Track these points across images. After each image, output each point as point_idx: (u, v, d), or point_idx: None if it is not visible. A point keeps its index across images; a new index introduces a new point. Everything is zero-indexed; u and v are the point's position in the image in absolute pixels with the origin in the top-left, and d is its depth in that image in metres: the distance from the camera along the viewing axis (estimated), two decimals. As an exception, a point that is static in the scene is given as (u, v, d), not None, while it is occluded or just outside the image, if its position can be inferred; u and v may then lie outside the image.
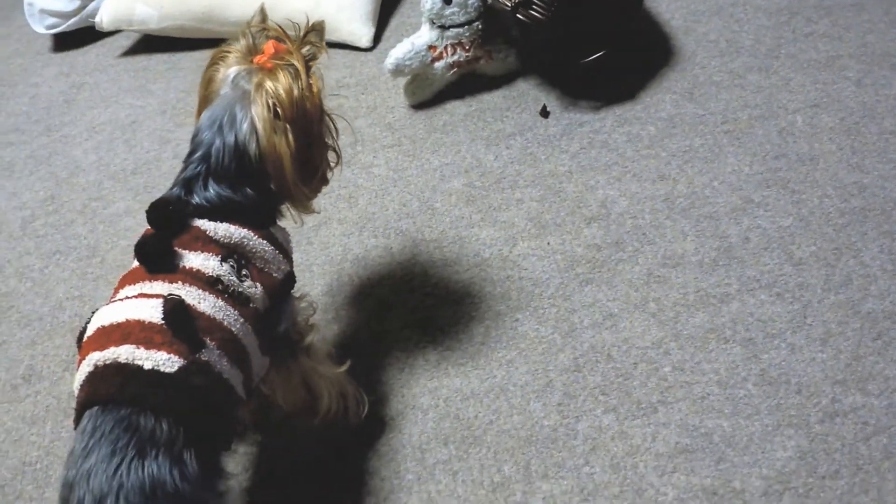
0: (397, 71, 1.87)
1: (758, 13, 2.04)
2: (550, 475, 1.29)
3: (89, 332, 1.06)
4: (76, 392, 1.04)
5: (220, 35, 2.29)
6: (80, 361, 1.04)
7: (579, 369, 1.41)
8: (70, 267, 1.82)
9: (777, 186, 1.64)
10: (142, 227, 1.80)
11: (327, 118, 1.22)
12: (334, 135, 1.24)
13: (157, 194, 1.84)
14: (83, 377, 1.01)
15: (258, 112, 1.13)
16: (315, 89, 1.17)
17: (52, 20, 2.54)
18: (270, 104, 1.13)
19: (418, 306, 1.55)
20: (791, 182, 1.64)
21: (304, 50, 1.19)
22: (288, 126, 1.14)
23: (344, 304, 1.50)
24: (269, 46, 1.18)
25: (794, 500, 1.21)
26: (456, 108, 1.96)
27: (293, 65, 1.15)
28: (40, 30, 2.56)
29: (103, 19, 2.41)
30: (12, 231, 1.94)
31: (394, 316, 1.54)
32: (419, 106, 1.98)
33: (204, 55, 2.32)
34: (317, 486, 1.33)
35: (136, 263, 1.14)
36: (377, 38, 2.22)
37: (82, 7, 2.52)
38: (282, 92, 1.13)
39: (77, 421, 1.01)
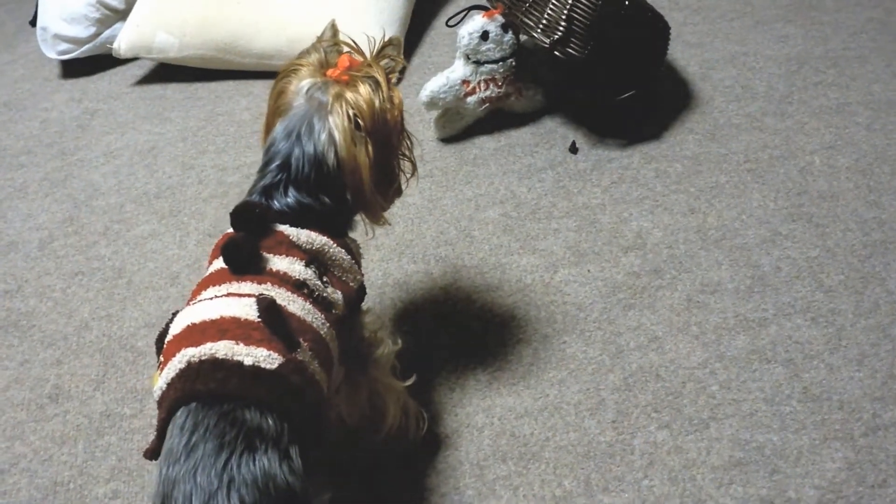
0: (432, 104, 1.92)
1: (768, 62, 2.14)
2: (611, 489, 1.31)
3: (174, 330, 1.07)
4: (162, 390, 1.03)
5: (241, 67, 2.35)
6: (167, 360, 1.04)
7: (630, 388, 1.44)
8: (94, 287, 1.82)
9: (802, 220, 1.71)
10: (168, 250, 1.84)
11: (406, 130, 1.25)
12: (411, 147, 1.27)
13: (184, 218, 1.89)
14: (174, 373, 1.01)
15: (337, 122, 1.16)
16: (396, 100, 1.20)
17: (64, 46, 2.56)
18: (351, 115, 1.16)
19: (464, 329, 1.58)
20: (815, 217, 1.71)
21: (382, 63, 1.22)
22: (367, 137, 1.17)
23: (390, 333, 1.52)
24: (343, 60, 1.22)
25: (848, 509, 1.25)
26: (485, 142, 2.01)
27: (373, 77, 1.18)
28: (52, 55, 2.57)
29: (121, 46, 2.42)
30: (29, 251, 1.94)
31: (440, 338, 1.57)
32: (448, 140, 2.03)
33: (222, 86, 2.38)
34: (378, 502, 1.33)
35: (214, 267, 1.15)
36: (400, 75, 2.27)
37: (98, 33, 2.54)
38: (363, 103, 1.16)
39: (167, 419, 1.00)
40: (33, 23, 2.90)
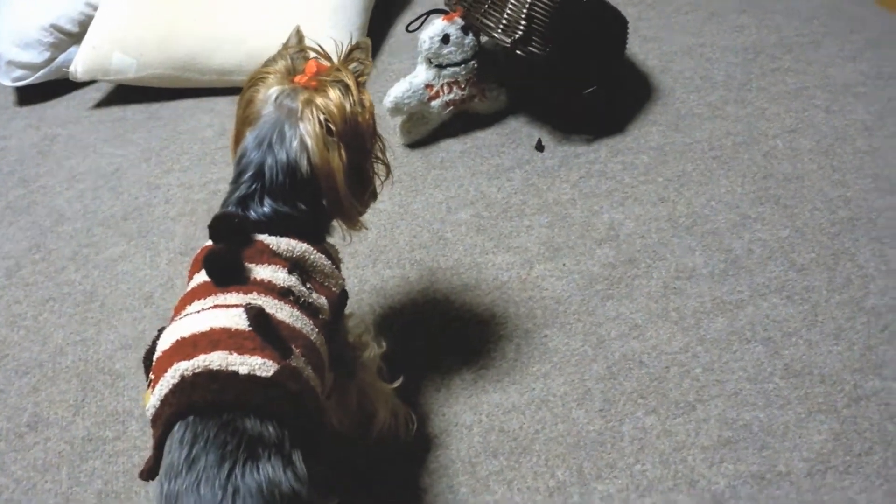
0: (396, 109, 1.93)
1: (725, 52, 2.17)
2: (604, 476, 1.32)
3: (163, 346, 1.06)
4: (155, 407, 1.03)
5: (201, 84, 2.34)
6: (158, 377, 1.03)
7: (614, 377, 1.46)
8: (67, 313, 1.80)
9: (770, 203, 1.73)
10: (140, 271, 1.83)
11: (378, 133, 1.25)
12: (384, 149, 1.27)
13: (154, 238, 1.88)
14: (167, 389, 1.00)
15: (308, 128, 1.16)
16: (367, 103, 1.20)
17: (19, 72, 2.51)
18: (322, 120, 1.16)
19: (445, 330, 1.59)
20: (782, 198, 1.74)
21: (351, 67, 1.22)
22: (340, 141, 1.17)
23: (372, 329, 1.51)
24: (311, 65, 1.21)
25: (837, 477, 1.28)
26: (451, 145, 2.02)
27: (342, 80, 1.18)
28: (6, 82, 2.53)
29: (77, 69, 2.39)
30: (-5, 280, 1.91)
31: (421, 340, 1.57)
32: (414, 145, 2.03)
33: (183, 104, 2.37)
34: (371, 505, 1.33)
35: (196, 281, 1.14)
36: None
37: (52, 58, 2.50)
38: (333, 108, 1.16)
39: (163, 435, 0.99)
40: (-14, 52, 2.86)
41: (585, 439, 1.38)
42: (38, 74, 2.53)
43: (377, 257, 1.75)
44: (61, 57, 2.51)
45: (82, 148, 2.32)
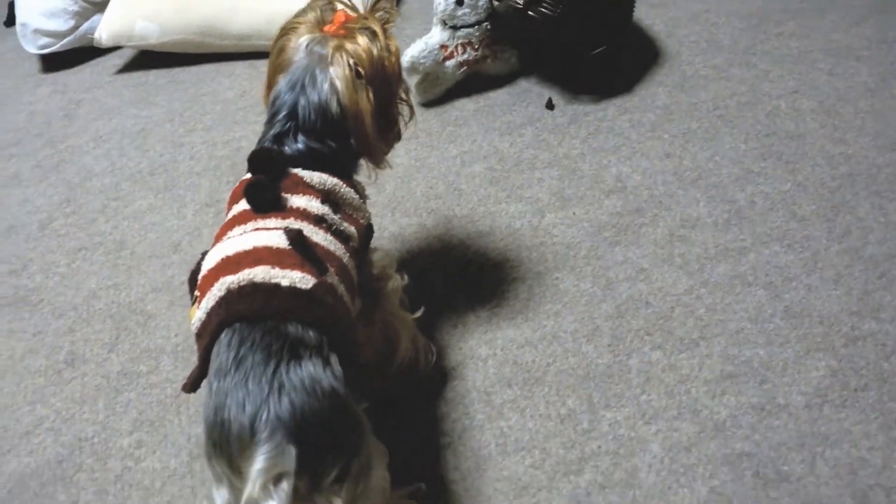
0: (412, 69, 2.01)
1: (731, 18, 2.24)
2: (612, 405, 1.40)
3: (208, 265, 1.14)
4: (201, 320, 1.10)
5: (221, 49, 2.42)
6: (204, 292, 1.11)
7: (622, 315, 1.53)
8: (98, 260, 1.88)
9: (773, 158, 1.81)
10: (168, 221, 1.91)
11: (403, 77, 1.32)
12: (408, 92, 1.35)
13: (180, 191, 1.96)
14: (213, 301, 1.08)
15: (338, 72, 1.24)
16: (393, 49, 1.28)
17: (45, 40, 2.60)
18: (351, 64, 1.23)
19: (461, 272, 1.66)
20: (784, 154, 1.82)
21: (378, 15, 1.29)
22: (368, 84, 1.25)
23: (395, 263, 1.58)
24: (339, 15, 1.29)
25: (833, 410, 1.35)
26: (465, 104, 2.10)
27: (370, 28, 1.26)
28: (33, 50, 2.61)
29: (102, 36, 2.47)
30: (30, 233, 2.00)
31: (439, 282, 1.65)
32: (429, 104, 2.11)
33: (203, 69, 2.45)
34: (393, 432, 1.40)
35: (236, 210, 1.22)
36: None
37: (77, 26, 2.58)
38: (362, 52, 1.24)
39: (209, 344, 1.07)
40: (7, 23, 2.95)
41: (595, 372, 1.45)
42: (63, 42, 2.61)
43: (395, 207, 1.83)
44: (85, 25, 2.60)
45: (107, 111, 2.39)
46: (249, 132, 2.13)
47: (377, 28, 1.26)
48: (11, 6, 2.86)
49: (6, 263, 1.92)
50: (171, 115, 2.30)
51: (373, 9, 1.30)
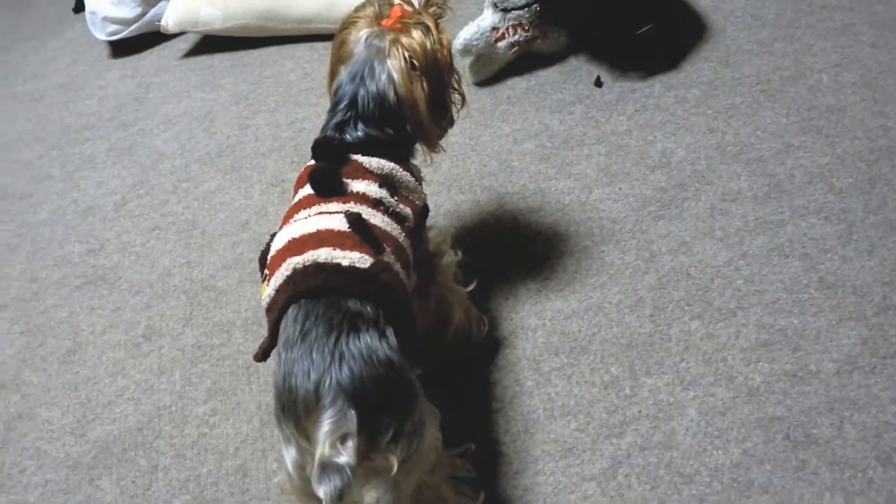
0: (465, 51, 2.10)
1: (776, -9, 2.29)
2: (653, 372, 1.50)
3: (277, 246, 1.26)
4: (270, 296, 1.22)
5: (283, 33, 2.54)
6: (273, 271, 1.23)
7: (664, 287, 1.62)
8: (171, 239, 2.01)
9: (812, 132, 1.87)
10: (236, 201, 2.04)
11: (454, 67, 1.43)
12: (459, 81, 1.45)
13: (247, 172, 2.09)
14: (281, 280, 1.20)
15: (395, 64, 1.35)
16: (446, 42, 1.38)
17: (113, 27, 2.73)
18: (406, 56, 1.34)
19: (512, 247, 1.77)
20: (824, 128, 1.87)
21: (430, 11, 1.40)
22: (422, 75, 1.35)
23: (450, 240, 1.69)
24: (395, 10, 1.40)
25: (863, 376, 1.42)
26: (517, 83, 2.19)
27: (423, 22, 1.36)
28: (102, 37, 2.75)
29: (169, 22, 2.60)
30: (106, 214, 2.14)
31: (491, 256, 1.75)
32: (482, 83, 2.20)
33: (266, 52, 2.57)
34: (448, 397, 1.50)
35: (301, 195, 1.33)
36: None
37: (143, 13, 2.72)
38: (416, 46, 1.35)
39: (278, 318, 1.19)
40: (77, 9, 3.10)
41: (637, 341, 1.55)
42: (130, 28, 2.74)
43: (450, 185, 1.93)
44: (152, 12, 2.73)
45: (175, 94, 2.52)
46: (311, 113, 2.24)
47: (430, 23, 1.36)
48: (82, -7, 3.01)
49: (85, 244, 2.07)
50: (236, 98, 2.42)
51: (426, 4, 1.40)
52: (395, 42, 1.35)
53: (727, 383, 1.45)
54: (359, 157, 1.33)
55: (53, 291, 1.96)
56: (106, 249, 2.04)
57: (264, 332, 1.25)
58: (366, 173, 1.32)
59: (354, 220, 1.22)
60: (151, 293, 1.89)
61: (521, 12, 2.07)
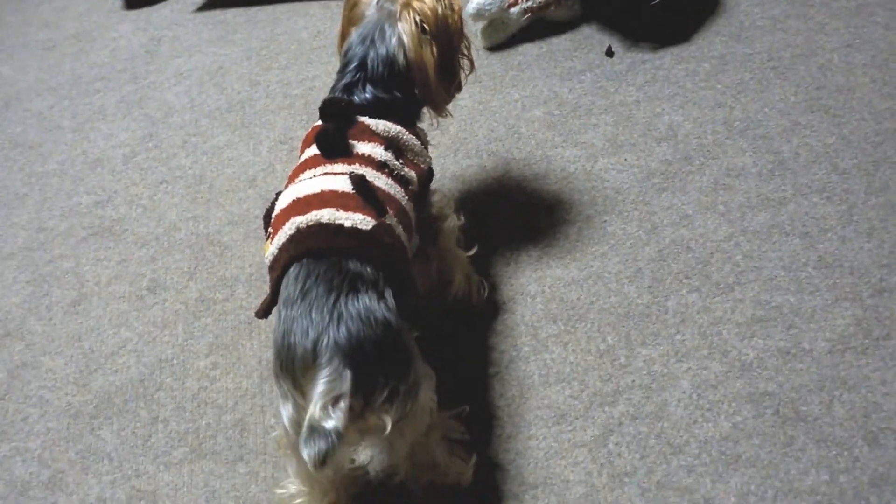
0: (478, 15, 2.10)
1: (792, -33, 2.27)
2: (648, 342, 1.52)
3: (281, 205, 1.27)
4: (273, 255, 1.24)
5: (296, -9, 2.52)
6: (276, 230, 1.25)
7: (664, 259, 1.64)
8: (179, 193, 2.03)
9: (820, 112, 1.87)
10: (244, 157, 2.05)
11: (464, 33, 1.43)
12: (469, 47, 1.46)
13: (256, 129, 2.10)
14: (285, 238, 1.21)
15: (405, 27, 1.36)
16: (457, 7, 1.39)
17: (128, -22, 2.73)
18: (417, 20, 1.35)
19: (516, 213, 1.78)
20: (832, 108, 1.87)
21: None
22: (432, 39, 1.36)
23: (453, 204, 1.70)
24: None
25: (854, 356, 1.44)
26: (528, 49, 2.19)
27: None
28: None
29: (184, -26, 2.59)
30: (115, 166, 2.15)
31: (495, 221, 1.77)
32: (494, 49, 2.20)
33: (279, 9, 2.58)
34: (446, 360, 1.53)
35: (307, 154, 1.35)
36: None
37: (159, -35, 2.71)
38: (427, 10, 1.36)
39: (280, 276, 1.21)
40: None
41: (634, 311, 1.57)
42: (145, -20, 2.73)
43: (458, 148, 1.95)
44: (169, -36, 2.71)
45: (187, 48, 2.53)
46: (322, 72, 2.24)
47: None
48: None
49: (93, 195, 2.08)
50: (248, 54, 2.42)
51: None
52: (407, 5, 1.36)
53: (721, 357, 1.47)
54: (366, 119, 1.35)
55: (60, 242, 1.98)
56: (114, 201, 2.06)
57: (267, 288, 1.27)
58: (372, 135, 1.33)
59: (358, 181, 1.24)
60: (157, 246, 1.91)
61: (535, -22, 2.06)
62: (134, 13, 2.77)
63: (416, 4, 1.36)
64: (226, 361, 1.65)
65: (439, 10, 1.36)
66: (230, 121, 2.19)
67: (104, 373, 1.68)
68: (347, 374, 1.09)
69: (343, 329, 1.10)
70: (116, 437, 1.56)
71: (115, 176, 2.13)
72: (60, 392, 1.66)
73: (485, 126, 1.98)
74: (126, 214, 2.01)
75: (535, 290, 1.62)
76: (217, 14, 2.64)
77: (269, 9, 2.59)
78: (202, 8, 2.68)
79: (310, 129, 1.39)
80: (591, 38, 2.17)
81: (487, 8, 2.07)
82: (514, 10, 2.09)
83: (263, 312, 1.28)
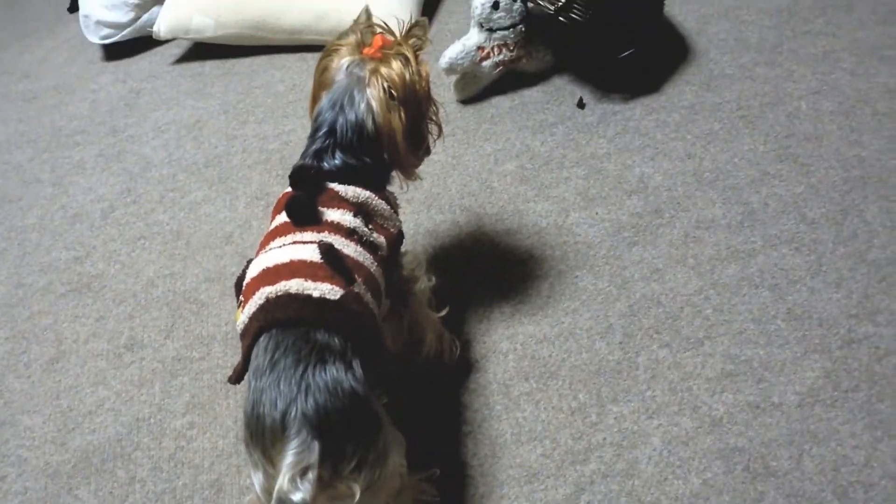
0: (451, 69, 2.13)
1: (761, 15, 2.31)
2: (619, 399, 1.53)
3: (252, 274, 1.29)
4: (244, 323, 1.26)
5: (273, 42, 2.57)
6: (247, 299, 1.26)
7: (634, 314, 1.65)
8: (156, 249, 2.04)
9: (789, 160, 1.90)
10: (220, 213, 2.06)
11: (432, 98, 1.46)
12: (437, 112, 1.48)
13: (233, 184, 2.12)
14: (255, 308, 1.23)
15: (374, 94, 1.38)
16: (424, 73, 1.41)
17: (106, 31, 2.77)
18: (385, 87, 1.37)
19: (488, 269, 1.80)
20: (800, 157, 1.90)
21: (411, 42, 1.43)
22: (400, 105, 1.38)
23: (425, 271, 1.72)
24: (377, 40, 1.43)
25: (824, 409, 1.46)
26: (501, 102, 2.22)
27: (403, 53, 1.39)
28: (95, 40, 2.78)
29: (161, 29, 2.63)
30: (93, 221, 2.16)
31: (467, 278, 1.78)
32: (467, 101, 2.23)
33: (256, 61, 2.60)
34: (418, 419, 1.55)
35: (278, 221, 1.37)
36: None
37: (136, 18, 2.75)
38: (395, 77, 1.38)
39: (251, 345, 1.22)
40: (71, 9, 3.13)
41: (605, 367, 1.58)
42: (123, 33, 2.78)
43: (431, 203, 1.97)
44: (145, 17, 2.76)
45: (166, 101, 2.55)
46: (298, 126, 2.27)
47: (410, 54, 1.39)
48: (77, -7, 3.04)
49: (72, 250, 2.10)
50: (225, 107, 2.44)
51: (407, 35, 1.43)
52: (375, 72, 1.38)
53: (691, 413, 1.48)
54: (335, 186, 1.36)
55: (39, 298, 1.99)
56: (92, 257, 2.07)
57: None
58: (341, 202, 1.35)
59: (327, 250, 1.25)
60: (135, 303, 1.92)
61: (506, 33, 2.10)
62: (113, 64, 2.80)
63: (384, 71, 1.37)
64: (202, 421, 1.65)
65: (407, 77, 1.38)
66: (207, 176, 2.21)
67: (82, 432, 1.69)
68: (315, 445, 1.10)
69: (311, 401, 1.11)
70: (94, 497, 1.56)
71: (93, 231, 2.14)
72: (39, 451, 1.67)
73: (458, 180, 2.00)
74: (104, 271, 2.02)
75: (508, 347, 1.63)
76: (195, 66, 2.67)
77: (246, 61, 2.61)
78: (180, 60, 2.72)
79: (281, 195, 1.40)
80: (562, 90, 2.20)
81: (460, 62, 2.10)
82: (485, 63, 2.12)
83: (236, 378, 1.29)
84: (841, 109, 1.99)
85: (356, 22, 1.47)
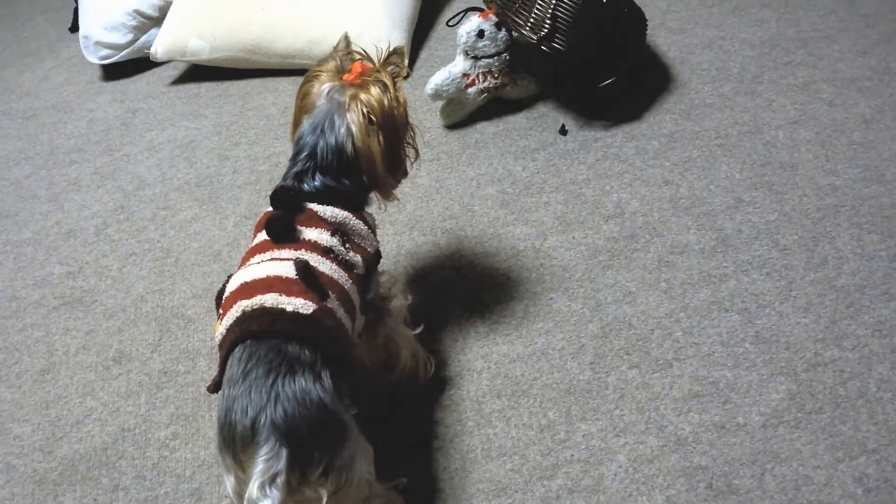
0: (436, 95, 2.18)
1: (743, 45, 2.37)
2: (588, 418, 1.57)
3: (231, 288, 1.34)
4: (222, 334, 1.30)
5: (267, 66, 2.63)
6: (225, 311, 1.31)
7: (606, 335, 1.70)
8: (147, 266, 2.09)
9: (764, 188, 1.94)
10: (210, 231, 2.11)
11: (410, 123, 1.51)
12: (415, 137, 1.53)
13: (223, 203, 2.17)
14: (232, 320, 1.28)
15: (353, 118, 1.43)
16: (402, 99, 1.46)
17: (105, 51, 2.83)
18: (364, 112, 1.43)
19: (466, 290, 1.84)
20: (775, 185, 1.95)
21: (389, 69, 1.48)
22: (379, 130, 1.44)
23: (402, 290, 1.77)
24: (356, 66, 1.48)
25: (787, 430, 1.50)
26: (485, 128, 2.27)
27: (382, 80, 1.45)
28: (94, 60, 2.85)
29: (158, 51, 2.69)
30: (87, 237, 2.22)
31: (446, 298, 1.83)
32: (453, 126, 2.28)
33: (250, 84, 2.66)
34: (391, 432, 1.59)
35: (258, 239, 1.42)
36: (409, 69, 2.52)
37: (135, 40, 2.81)
38: (374, 102, 1.43)
39: (226, 356, 1.27)
40: (73, 29, 3.20)
41: (575, 387, 1.62)
42: (121, 54, 2.84)
43: (413, 225, 2.01)
44: (143, 38, 2.82)
45: (161, 121, 2.61)
46: (288, 148, 2.25)
47: (388, 81, 1.45)
48: (77, 12, 3.10)
49: (65, 265, 2.15)
50: (218, 128, 2.50)
51: (385, 63, 1.49)
52: (355, 97, 1.43)
53: (657, 432, 1.52)
54: (314, 206, 1.41)
55: (32, 310, 2.04)
56: (84, 272, 2.12)
57: (220, 364, 1.33)
58: (319, 222, 1.40)
59: (302, 267, 1.30)
60: (124, 318, 1.96)
61: (491, 60, 2.15)
62: (111, 84, 2.86)
63: (363, 96, 1.43)
64: (185, 432, 1.69)
65: (385, 102, 1.44)
66: (198, 195, 2.26)
67: (69, 441, 1.73)
68: (284, 452, 1.15)
69: (280, 409, 1.16)
70: (79, 503, 1.58)
71: (86, 247, 2.19)
72: (27, 458, 1.71)
73: (440, 204, 2.05)
74: (96, 286, 2.06)
75: (482, 366, 1.68)
76: (190, 87, 2.73)
77: (240, 83, 2.67)
78: (176, 81, 2.78)
79: (262, 215, 1.45)
80: (545, 117, 2.25)
81: (445, 89, 2.16)
82: (471, 90, 2.18)
83: (214, 387, 1.34)
84: (818, 139, 2.04)
85: (335, 49, 1.52)
